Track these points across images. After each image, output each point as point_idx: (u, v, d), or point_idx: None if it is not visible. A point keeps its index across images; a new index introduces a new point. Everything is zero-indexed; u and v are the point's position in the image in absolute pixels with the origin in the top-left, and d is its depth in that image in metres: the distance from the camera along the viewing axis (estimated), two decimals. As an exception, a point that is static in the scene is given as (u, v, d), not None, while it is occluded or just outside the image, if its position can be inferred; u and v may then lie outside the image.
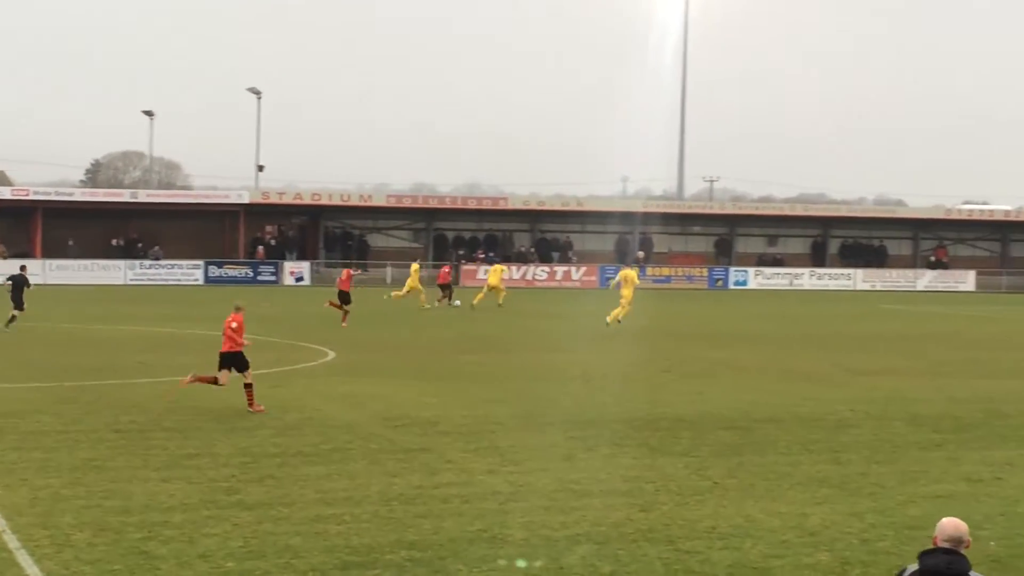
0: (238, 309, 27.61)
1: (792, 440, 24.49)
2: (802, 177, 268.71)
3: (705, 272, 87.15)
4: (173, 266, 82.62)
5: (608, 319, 49.68)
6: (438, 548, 15.92)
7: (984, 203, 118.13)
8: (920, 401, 30.34)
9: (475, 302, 59.04)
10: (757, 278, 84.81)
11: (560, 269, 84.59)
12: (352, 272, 53.36)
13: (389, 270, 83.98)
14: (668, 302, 61.25)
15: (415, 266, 61.64)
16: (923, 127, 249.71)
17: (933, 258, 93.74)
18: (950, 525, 9.28)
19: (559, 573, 15.02)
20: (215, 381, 27.18)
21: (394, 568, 15.07)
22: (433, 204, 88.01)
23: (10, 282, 46.25)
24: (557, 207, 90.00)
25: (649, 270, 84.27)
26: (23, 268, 47.97)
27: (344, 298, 51.15)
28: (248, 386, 26.83)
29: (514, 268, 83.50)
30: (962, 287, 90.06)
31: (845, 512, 18.35)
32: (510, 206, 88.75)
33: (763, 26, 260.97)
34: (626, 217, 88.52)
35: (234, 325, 27.08)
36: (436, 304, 60.11)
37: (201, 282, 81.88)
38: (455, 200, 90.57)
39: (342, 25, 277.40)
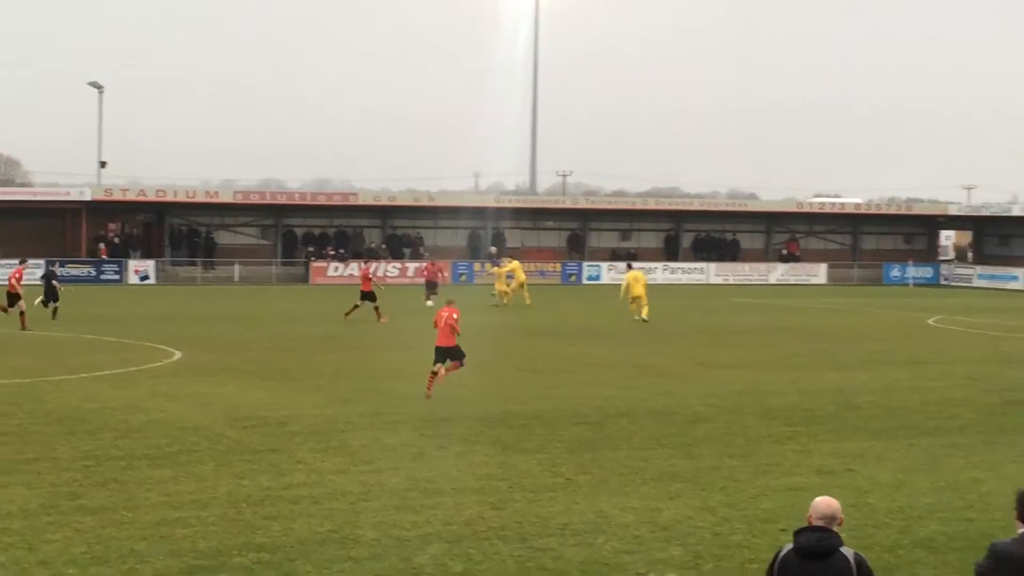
0: (451, 303, 30.66)
1: (645, 435, 24.74)
2: (655, 171, 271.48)
3: (558, 267, 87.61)
4: (11, 266, 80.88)
5: (641, 317, 52.34)
6: (287, 550, 15.85)
7: (836, 196, 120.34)
8: (772, 394, 30.82)
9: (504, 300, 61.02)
10: (610, 272, 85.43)
11: (412, 265, 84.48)
12: (367, 272, 53.21)
13: (237, 268, 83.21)
14: (521, 297, 61.49)
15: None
16: (776, 120, 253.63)
17: (785, 251, 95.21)
18: (823, 504, 9.56)
19: (410, 573, 15.03)
20: (435, 375, 29.59)
21: (242, 571, 14.97)
22: (282, 200, 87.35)
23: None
24: (408, 202, 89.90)
25: (496, 267, 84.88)
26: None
27: (369, 296, 51.12)
28: (435, 374, 29.47)
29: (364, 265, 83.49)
30: (814, 280, 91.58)
31: (698, 506, 18.60)
32: (360, 202, 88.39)
33: (617, 20, 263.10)
34: (478, 212, 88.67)
35: (455, 316, 29.79)
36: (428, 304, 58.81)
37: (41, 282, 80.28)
38: (304, 196, 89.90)
39: (190, 20, 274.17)
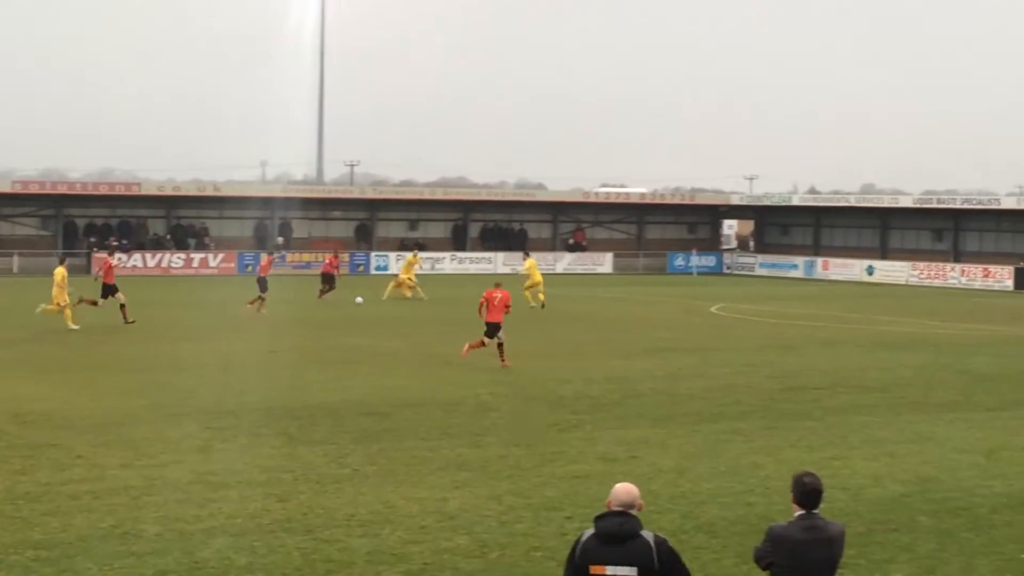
0: (498, 285, 36.00)
1: (432, 425, 24.81)
2: (444, 162, 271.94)
3: (346, 257, 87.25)
4: None
5: (534, 303, 53.94)
6: (66, 547, 15.54)
7: (621, 186, 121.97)
8: (559, 383, 31.14)
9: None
10: (398, 263, 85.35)
11: (197, 256, 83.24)
12: (109, 263, 51.31)
13: (16, 259, 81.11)
14: (310, 288, 61.01)
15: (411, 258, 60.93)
16: (562, 111, 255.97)
17: (572, 241, 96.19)
18: (622, 490, 9.69)
19: (194, 567, 14.85)
20: (483, 344, 35.00)
21: (19, 568, 14.63)
22: (62, 190, 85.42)
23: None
24: (193, 192, 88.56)
25: (289, 256, 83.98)
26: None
27: (110, 290, 48.43)
28: (501, 345, 34.72)
29: (149, 256, 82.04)
30: (600, 269, 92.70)
31: (484, 495, 18.72)
32: (144, 191, 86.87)
33: (404, 12, 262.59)
34: (265, 202, 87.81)
35: (499, 296, 34.97)
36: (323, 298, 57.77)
37: None
38: (86, 186, 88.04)
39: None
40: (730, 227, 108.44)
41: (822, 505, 10.23)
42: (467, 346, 35.38)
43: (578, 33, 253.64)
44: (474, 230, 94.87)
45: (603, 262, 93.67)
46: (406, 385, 30.42)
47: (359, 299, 56.08)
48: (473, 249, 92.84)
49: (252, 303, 50.00)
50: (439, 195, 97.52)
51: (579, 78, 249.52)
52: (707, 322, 51.12)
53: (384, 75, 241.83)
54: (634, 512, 9.62)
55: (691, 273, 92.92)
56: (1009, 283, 78.52)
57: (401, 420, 25.35)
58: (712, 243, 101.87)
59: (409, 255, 66.14)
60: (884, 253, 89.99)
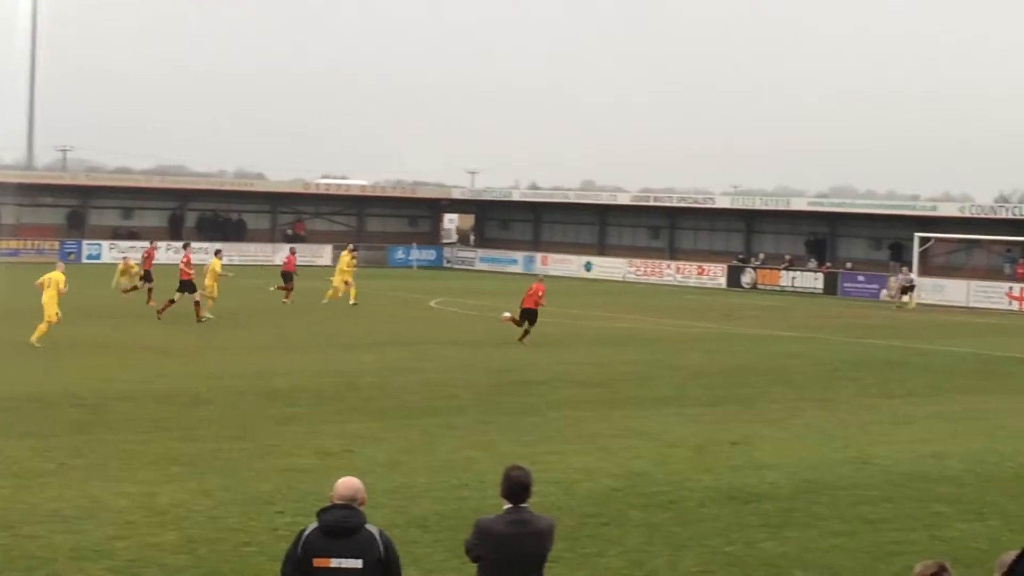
0: (542, 280, 43.93)
1: (146, 418, 24.37)
2: (162, 149, 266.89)
3: (57, 245, 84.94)
4: None
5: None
6: None
7: (343, 178, 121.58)
8: (277, 375, 30.92)
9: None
10: (112, 252, 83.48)
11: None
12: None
13: None
14: (17, 278, 59.15)
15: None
16: (285, 101, 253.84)
17: (290, 232, 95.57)
18: (346, 484, 9.69)
19: None
20: (517, 322, 41.69)
21: None
22: None
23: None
24: None
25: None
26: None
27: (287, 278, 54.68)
28: (527, 332, 41.07)
29: None
30: (319, 261, 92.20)
31: (194, 490, 18.46)
32: None
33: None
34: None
35: (540, 293, 42.15)
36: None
37: None
38: None
39: None
40: (451, 221, 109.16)
41: (534, 499, 10.37)
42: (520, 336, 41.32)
43: (301, 17, 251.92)
44: (191, 219, 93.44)
45: (322, 254, 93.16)
46: (122, 377, 29.81)
47: (275, 289, 55.60)
48: (190, 239, 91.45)
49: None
50: (155, 183, 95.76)
51: (301, 67, 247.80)
52: (426, 316, 51.38)
53: (100, 59, 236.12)
54: (358, 505, 9.62)
55: (411, 267, 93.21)
56: (722, 281, 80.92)
57: (114, 412, 24.84)
58: (433, 237, 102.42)
59: (344, 253, 64.40)
60: (602, 249, 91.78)
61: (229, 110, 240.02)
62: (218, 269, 47.55)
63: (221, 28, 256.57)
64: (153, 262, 54.30)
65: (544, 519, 10.41)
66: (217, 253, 50.57)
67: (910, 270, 68.01)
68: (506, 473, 10.38)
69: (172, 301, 45.35)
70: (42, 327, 36.02)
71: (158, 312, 45.16)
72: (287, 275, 55.92)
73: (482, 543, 10.18)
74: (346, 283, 55.98)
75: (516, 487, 10.29)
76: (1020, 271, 72.07)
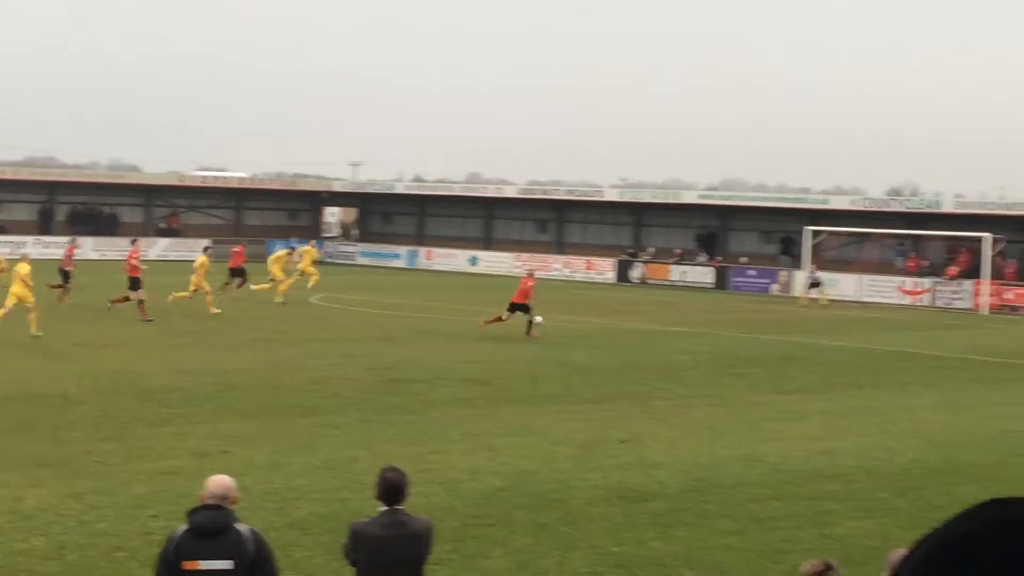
0: (532, 273, 46.05)
1: (12, 419, 24.03)
2: (31, 140, 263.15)
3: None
4: None
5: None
6: None
7: (222, 170, 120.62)
8: (150, 375, 30.60)
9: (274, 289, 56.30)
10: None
11: None
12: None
13: None
14: None
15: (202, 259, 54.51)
16: (163, 91, 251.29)
17: (164, 225, 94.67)
18: (215, 482, 9.62)
19: None
20: (500, 319, 43.19)
21: None
22: None
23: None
24: None
25: None
26: None
27: (239, 272, 55.60)
28: (531, 323, 42.95)
29: None
30: (193, 255, 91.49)
31: (64, 494, 18.21)
32: None
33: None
34: None
35: (531, 284, 44.14)
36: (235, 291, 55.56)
37: None
38: None
39: None
40: (332, 214, 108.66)
41: (417, 500, 10.37)
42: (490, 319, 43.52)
43: (171, 4, 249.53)
44: (61, 213, 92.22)
45: (199, 248, 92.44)
46: (-17, 377, 29.35)
47: (248, 286, 55.35)
48: (60, 233, 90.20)
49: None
50: (23, 175, 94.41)
51: (176, 56, 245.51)
52: (305, 312, 51.12)
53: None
54: (229, 504, 9.56)
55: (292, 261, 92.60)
56: (611, 275, 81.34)
57: (-24, 414, 24.44)
58: (314, 230, 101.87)
59: (307, 246, 64.04)
60: (488, 244, 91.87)
61: (102, 100, 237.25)
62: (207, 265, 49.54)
63: (92, 9, 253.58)
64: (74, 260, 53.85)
65: (421, 520, 10.40)
66: (206, 250, 52.36)
67: (813, 265, 68.14)
68: (380, 474, 10.38)
69: (127, 298, 46.01)
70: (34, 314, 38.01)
71: (112, 302, 46.07)
72: (65, 272, 52.50)
73: (357, 547, 10.16)
74: (272, 280, 56.15)
75: (390, 489, 10.28)
76: (911, 265, 73.19)
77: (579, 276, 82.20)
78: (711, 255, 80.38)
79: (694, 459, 22.78)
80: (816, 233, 72.40)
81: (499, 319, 43.30)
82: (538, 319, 43.13)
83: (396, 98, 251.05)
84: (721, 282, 75.89)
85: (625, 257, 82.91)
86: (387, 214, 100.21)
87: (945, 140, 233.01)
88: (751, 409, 29.05)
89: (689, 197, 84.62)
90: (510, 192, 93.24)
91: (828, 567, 8.34)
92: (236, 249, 59.53)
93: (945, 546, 1.63)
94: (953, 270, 69.16)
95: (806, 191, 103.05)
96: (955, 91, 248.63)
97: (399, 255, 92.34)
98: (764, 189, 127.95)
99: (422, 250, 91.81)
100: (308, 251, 62.30)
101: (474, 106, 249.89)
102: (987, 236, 66.03)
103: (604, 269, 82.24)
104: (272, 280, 55.82)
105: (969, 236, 68.81)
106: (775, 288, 74.05)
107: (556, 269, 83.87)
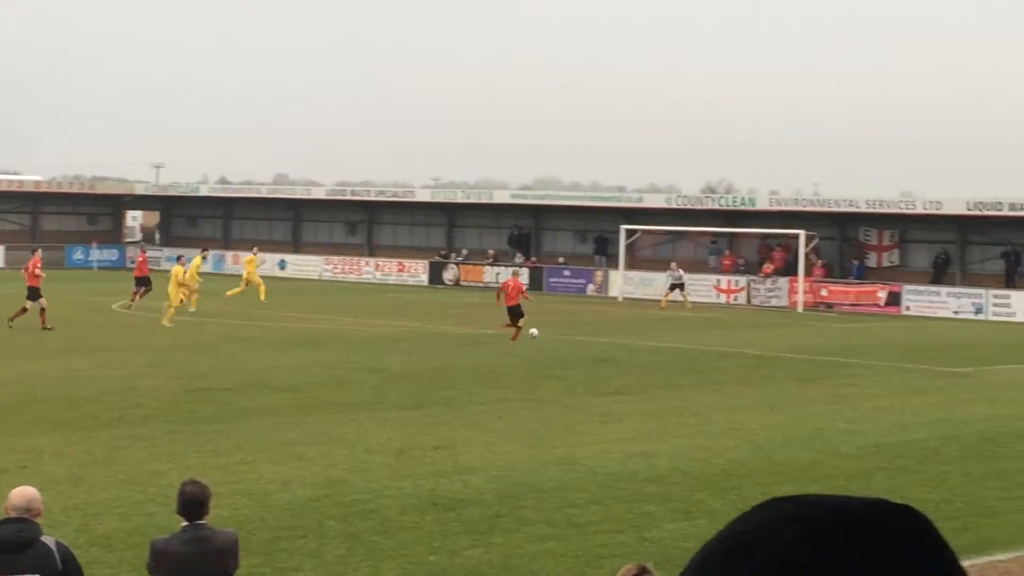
0: (517, 274, 48.25)
1: None
2: None
3: None
4: None
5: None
6: None
7: (15, 174, 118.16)
8: (-59, 388, 29.93)
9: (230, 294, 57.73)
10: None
11: None
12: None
13: None
14: None
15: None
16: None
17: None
18: (18, 495, 9.49)
19: None
20: (519, 329, 44.29)
21: None
22: None
23: None
24: None
25: None
26: None
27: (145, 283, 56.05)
28: (519, 329, 44.10)
29: None
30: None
31: None
32: None
33: None
34: None
35: (511, 284, 45.74)
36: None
37: None
38: None
39: None
40: (134, 219, 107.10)
41: (224, 512, 10.32)
42: (512, 335, 43.95)
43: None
44: None
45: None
46: None
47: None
48: None
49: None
50: None
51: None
52: (109, 320, 50.41)
53: None
54: (34, 517, 9.42)
55: (92, 267, 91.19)
56: (424, 277, 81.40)
57: None
58: (115, 235, 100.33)
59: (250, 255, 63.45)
60: (297, 247, 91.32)
61: None
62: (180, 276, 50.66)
63: None
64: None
65: (226, 534, 10.35)
66: (179, 259, 53.80)
67: (677, 266, 68.00)
68: (180, 489, 10.32)
69: (25, 309, 45.59)
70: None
71: (9, 320, 45.24)
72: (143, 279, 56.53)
73: (159, 564, 10.08)
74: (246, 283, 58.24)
75: (190, 503, 10.21)
76: (726, 263, 74.43)
77: (392, 279, 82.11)
78: (526, 256, 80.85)
79: (510, 464, 22.92)
80: (631, 232, 73.27)
81: (518, 328, 44.19)
82: (533, 331, 44.43)
83: (198, 99, 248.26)
84: (536, 283, 76.09)
85: (438, 259, 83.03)
86: (192, 218, 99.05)
87: (758, 139, 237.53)
88: (568, 412, 29.31)
89: (502, 197, 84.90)
90: (319, 193, 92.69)
91: (643, 570, 8.44)
92: (140, 258, 59.45)
93: (721, 543, 1.71)
94: (768, 268, 70.46)
95: (621, 189, 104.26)
96: (773, 89, 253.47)
97: (206, 259, 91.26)
98: (578, 188, 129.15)
99: (229, 254, 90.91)
100: (251, 260, 63.01)
101: (281, 106, 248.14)
102: (801, 233, 67.43)
103: (417, 271, 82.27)
104: (247, 283, 58.86)
105: (784, 233, 70.25)
106: (591, 288, 74.77)
107: (368, 272, 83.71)
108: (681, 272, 66.71)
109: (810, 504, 1.71)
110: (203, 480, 10.99)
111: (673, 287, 65.96)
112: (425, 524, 18.40)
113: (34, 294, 45.93)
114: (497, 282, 78.03)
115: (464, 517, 18.83)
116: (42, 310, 45.24)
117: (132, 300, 55.89)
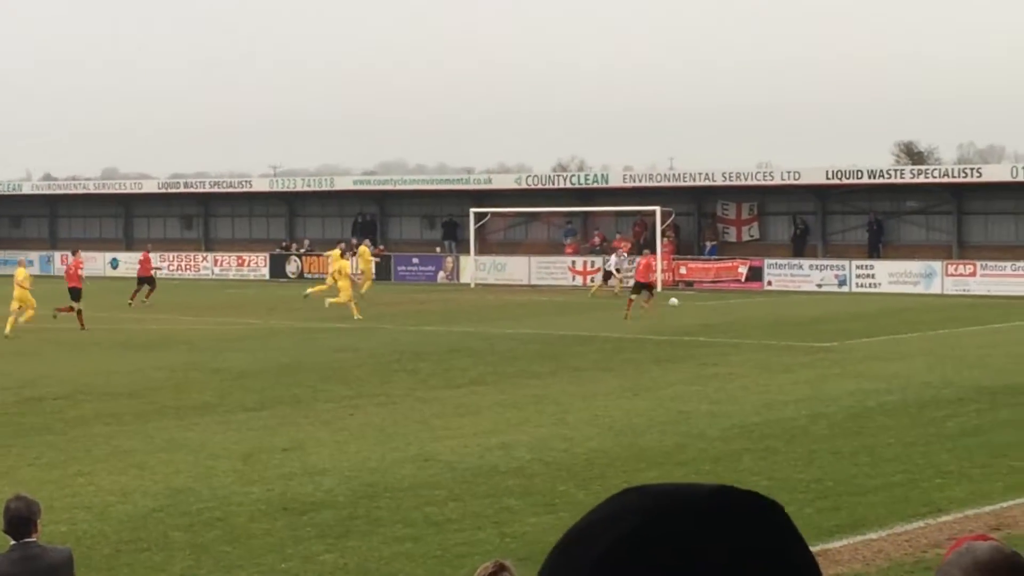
0: (651, 253, 52.60)
1: None
2: None
3: None
4: None
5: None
6: None
7: None
8: None
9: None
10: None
11: None
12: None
13: None
14: None
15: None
16: None
17: None
18: None
19: None
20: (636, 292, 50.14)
21: None
22: None
23: None
24: None
25: None
26: None
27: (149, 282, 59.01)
28: (650, 296, 50.88)
29: None
30: None
31: None
32: None
33: None
34: None
35: (643, 262, 50.73)
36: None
37: None
38: None
39: None
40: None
41: (61, 528, 10.16)
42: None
43: None
44: None
45: None
46: None
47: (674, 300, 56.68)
48: None
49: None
50: None
51: None
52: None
53: None
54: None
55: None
56: (265, 271, 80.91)
57: None
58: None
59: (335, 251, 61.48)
60: (129, 244, 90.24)
61: None
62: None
63: None
64: None
65: (58, 551, 10.18)
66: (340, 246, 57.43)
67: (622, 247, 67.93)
68: (5, 506, 10.12)
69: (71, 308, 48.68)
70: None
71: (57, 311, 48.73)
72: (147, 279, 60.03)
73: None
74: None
75: (15, 521, 10.03)
76: (581, 245, 74.73)
77: (231, 274, 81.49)
78: (373, 244, 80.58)
79: (363, 463, 22.83)
80: (480, 215, 73.36)
81: (630, 301, 49.87)
82: (673, 300, 53.94)
83: (21, 93, 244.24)
84: (385, 272, 75.76)
85: (279, 251, 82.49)
86: (14, 217, 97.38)
87: (609, 110, 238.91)
88: (421, 406, 29.26)
89: (344, 183, 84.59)
90: (150, 187, 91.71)
91: (501, 567, 8.41)
92: (142, 257, 62.24)
93: (571, 534, 1.81)
94: (625, 246, 70.74)
95: (469, 171, 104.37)
96: (621, 61, 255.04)
97: (31, 261, 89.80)
98: (424, 171, 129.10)
99: (56, 254, 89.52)
100: (363, 251, 66.51)
101: (107, 96, 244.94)
102: (657, 209, 67.97)
103: (257, 265, 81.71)
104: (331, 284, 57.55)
105: (640, 211, 70.75)
106: (442, 276, 74.77)
107: (206, 268, 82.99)
108: (626, 255, 66.48)
109: (655, 492, 1.81)
110: (33, 495, 10.77)
111: (608, 275, 65.41)
112: (276, 530, 18.25)
113: (76, 295, 49.49)
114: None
115: (317, 521, 18.71)
116: (79, 312, 48.68)
117: (132, 298, 58.41)
